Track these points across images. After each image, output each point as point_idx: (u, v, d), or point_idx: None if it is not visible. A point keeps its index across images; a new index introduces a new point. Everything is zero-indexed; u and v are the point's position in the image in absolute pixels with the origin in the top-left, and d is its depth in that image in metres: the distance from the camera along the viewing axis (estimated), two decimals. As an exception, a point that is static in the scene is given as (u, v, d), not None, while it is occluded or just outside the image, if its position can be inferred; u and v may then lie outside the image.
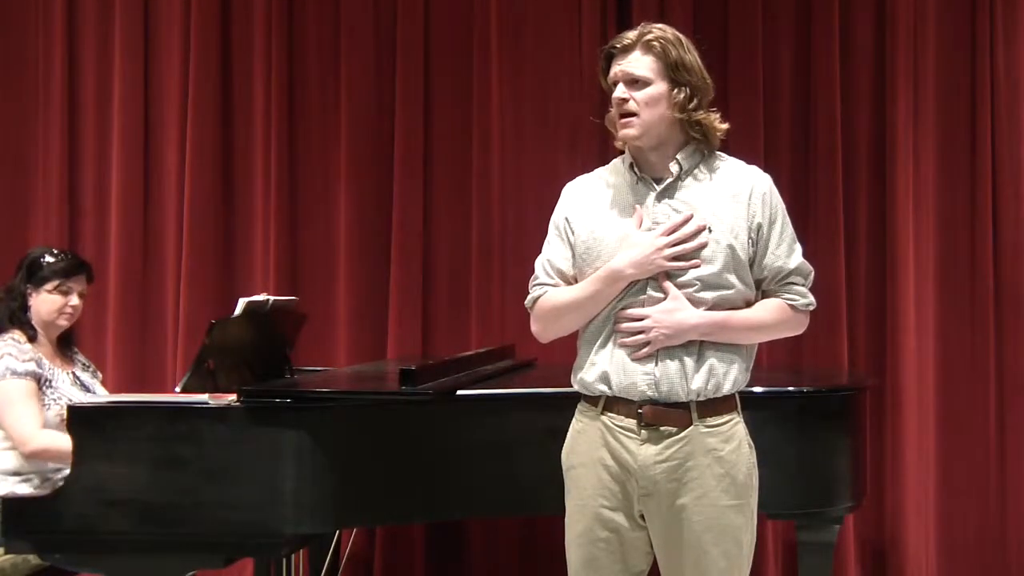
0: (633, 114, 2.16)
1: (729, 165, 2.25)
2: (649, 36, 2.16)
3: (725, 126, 2.22)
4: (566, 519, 2.26)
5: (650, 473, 2.14)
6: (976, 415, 4.07)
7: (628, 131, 2.17)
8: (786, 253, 2.22)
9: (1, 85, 4.34)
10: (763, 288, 2.23)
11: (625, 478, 2.16)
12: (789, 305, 2.22)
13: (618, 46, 2.19)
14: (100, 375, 3.29)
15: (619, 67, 2.18)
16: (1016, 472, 4.06)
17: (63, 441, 2.78)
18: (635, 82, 2.16)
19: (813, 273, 2.27)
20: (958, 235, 4.11)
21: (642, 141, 2.18)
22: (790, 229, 2.25)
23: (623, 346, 2.15)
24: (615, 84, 2.19)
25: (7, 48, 4.34)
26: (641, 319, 2.13)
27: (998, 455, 4.07)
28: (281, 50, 4.20)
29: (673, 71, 2.15)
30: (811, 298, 2.25)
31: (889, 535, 4.08)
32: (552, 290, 2.25)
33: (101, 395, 3.15)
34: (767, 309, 2.21)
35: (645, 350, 2.13)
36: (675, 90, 2.16)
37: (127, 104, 4.24)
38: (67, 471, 2.66)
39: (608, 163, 2.33)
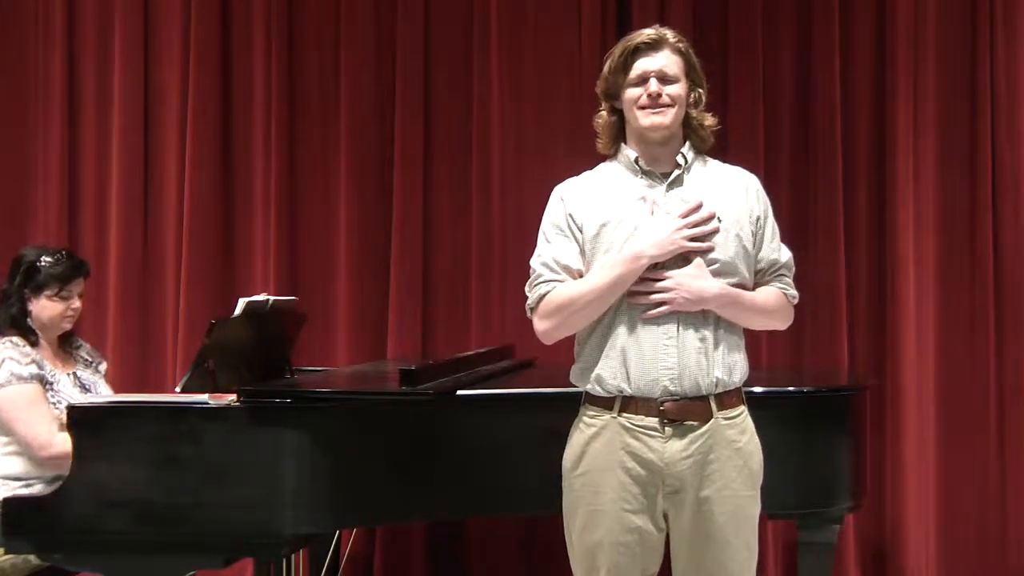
0: (669, 105, 2.21)
1: (718, 163, 2.35)
2: (671, 37, 2.25)
3: (717, 128, 2.33)
4: (575, 526, 2.24)
5: (677, 470, 2.15)
6: (976, 415, 4.07)
7: (663, 119, 2.21)
8: (778, 247, 2.33)
9: (1, 85, 4.34)
10: (756, 280, 2.30)
11: (648, 479, 2.17)
12: (783, 294, 2.31)
13: (647, 41, 2.23)
14: (104, 366, 3.25)
15: (650, 62, 2.22)
16: (1016, 472, 4.06)
17: None
18: (664, 79, 2.21)
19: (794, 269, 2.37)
20: (958, 235, 4.10)
21: (665, 133, 2.23)
22: (776, 225, 2.35)
23: (636, 305, 2.15)
24: (642, 80, 2.21)
25: (7, 48, 4.34)
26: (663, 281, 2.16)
27: (998, 455, 4.07)
28: (281, 50, 4.20)
29: (692, 72, 2.26)
30: (795, 291, 2.35)
31: (889, 535, 4.08)
32: (561, 285, 2.23)
33: (102, 394, 3.14)
34: (769, 294, 2.29)
35: (661, 309, 2.15)
36: (692, 91, 2.26)
37: (127, 104, 4.24)
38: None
39: (604, 164, 2.36)
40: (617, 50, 2.26)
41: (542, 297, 2.25)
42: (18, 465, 2.92)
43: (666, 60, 2.22)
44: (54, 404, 2.96)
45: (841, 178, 4.10)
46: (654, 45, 2.23)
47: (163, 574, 2.64)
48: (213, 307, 4.00)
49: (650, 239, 2.16)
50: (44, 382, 2.96)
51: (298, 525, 2.66)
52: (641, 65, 2.22)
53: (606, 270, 2.17)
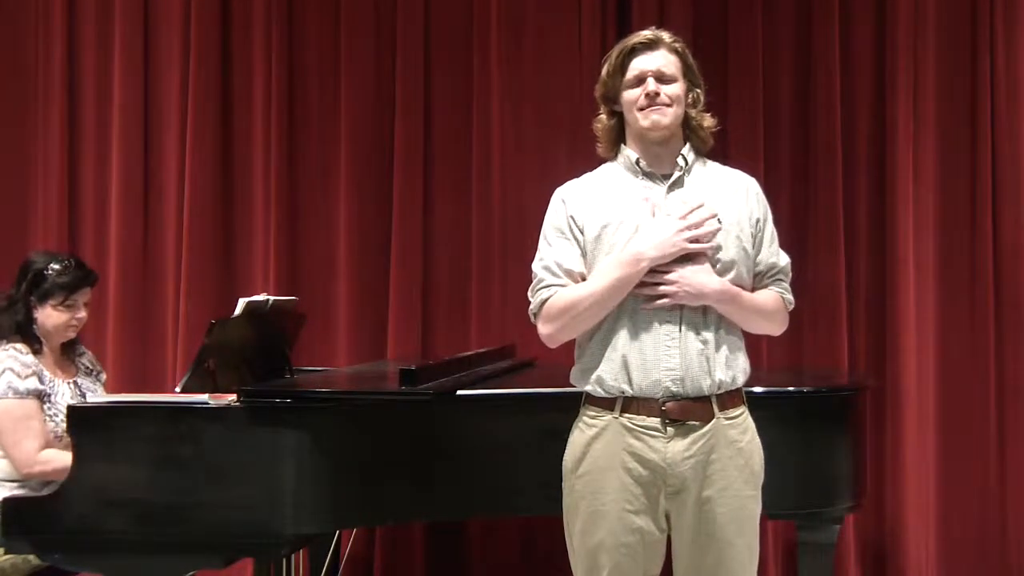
0: (667, 104, 2.22)
1: (718, 165, 2.35)
2: (667, 37, 2.26)
3: (716, 128, 2.34)
4: (576, 527, 2.24)
5: (679, 470, 2.16)
6: (976, 415, 4.06)
7: (662, 118, 2.22)
8: (776, 251, 2.33)
9: (1, 85, 4.34)
10: (754, 284, 2.30)
11: (650, 480, 2.17)
12: (781, 297, 2.32)
13: (643, 42, 2.25)
14: (104, 376, 3.25)
15: (648, 62, 2.23)
16: (1016, 472, 4.06)
17: (62, 460, 2.78)
18: (662, 78, 2.23)
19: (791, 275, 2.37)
20: (958, 235, 4.10)
21: (665, 132, 2.24)
22: (775, 229, 2.36)
23: (641, 295, 2.16)
24: (639, 80, 2.23)
25: (7, 48, 4.34)
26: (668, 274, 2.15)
27: (998, 455, 4.07)
28: (281, 50, 4.20)
29: (690, 73, 2.27)
30: (792, 296, 2.35)
31: (889, 535, 4.08)
32: (563, 290, 2.22)
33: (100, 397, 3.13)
34: (767, 296, 2.30)
35: (663, 301, 2.15)
36: (690, 91, 2.27)
37: (127, 104, 4.24)
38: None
39: (605, 165, 2.36)
40: (614, 52, 2.28)
41: (544, 302, 2.24)
42: (11, 466, 2.91)
43: (663, 60, 2.23)
44: (50, 417, 2.95)
45: (841, 178, 4.09)
46: (650, 45, 2.24)
47: (163, 574, 2.65)
48: (213, 307, 4.00)
49: (651, 241, 2.16)
50: (42, 396, 2.94)
51: (298, 525, 2.66)
52: (638, 65, 2.23)
53: (608, 272, 2.17)
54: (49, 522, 2.61)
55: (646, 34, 2.26)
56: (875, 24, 4.14)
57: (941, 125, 4.11)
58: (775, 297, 2.30)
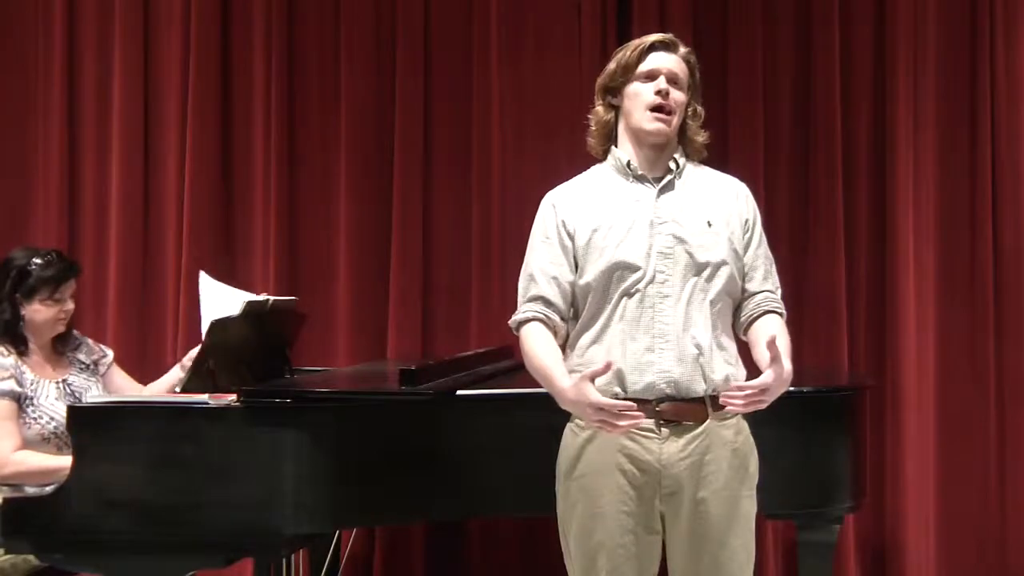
0: (672, 112, 2.24)
1: (710, 170, 2.37)
2: (683, 48, 2.31)
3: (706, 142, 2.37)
4: (572, 530, 2.24)
5: (675, 471, 2.16)
6: (976, 415, 4.07)
7: (665, 128, 2.24)
8: (764, 254, 2.33)
9: (1, 85, 4.34)
10: (744, 289, 2.28)
11: (644, 481, 2.17)
12: (779, 316, 2.31)
13: (663, 41, 2.28)
14: (108, 358, 3.18)
15: (665, 60, 2.26)
16: (1016, 472, 4.06)
17: (38, 460, 2.78)
18: (674, 81, 2.26)
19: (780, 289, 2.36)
20: (958, 235, 4.10)
21: (663, 139, 2.26)
22: (764, 235, 2.36)
23: (734, 411, 2.14)
24: (652, 76, 2.25)
25: (7, 48, 4.34)
26: (754, 388, 2.11)
27: (998, 455, 4.07)
28: (281, 50, 4.20)
29: (694, 87, 2.31)
30: (784, 309, 2.34)
31: (889, 535, 4.08)
32: (534, 333, 2.23)
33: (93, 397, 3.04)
34: (778, 328, 2.27)
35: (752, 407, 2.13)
36: (690, 105, 2.30)
37: (127, 104, 4.23)
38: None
39: (594, 167, 2.38)
40: (631, 47, 2.29)
41: (521, 324, 2.27)
42: None
43: (677, 65, 2.27)
44: (35, 419, 2.91)
45: (841, 178, 4.09)
46: (669, 47, 2.29)
47: (163, 574, 2.64)
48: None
49: (573, 401, 2.10)
50: (21, 398, 2.90)
51: (298, 525, 2.67)
52: (655, 61, 2.26)
53: (549, 369, 2.17)
54: (49, 522, 2.61)
55: (667, 35, 2.31)
56: (875, 24, 4.15)
57: (941, 125, 4.11)
58: (779, 323, 2.29)
